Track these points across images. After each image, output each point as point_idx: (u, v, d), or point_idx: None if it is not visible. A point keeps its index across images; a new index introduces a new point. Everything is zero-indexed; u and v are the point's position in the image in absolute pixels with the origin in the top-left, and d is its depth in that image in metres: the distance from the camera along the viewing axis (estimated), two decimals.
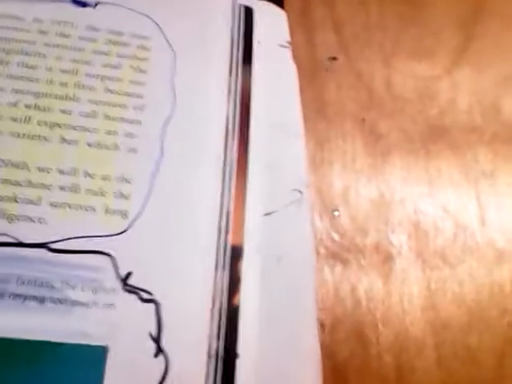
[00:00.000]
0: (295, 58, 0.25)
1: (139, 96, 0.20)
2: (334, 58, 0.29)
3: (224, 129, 0.21)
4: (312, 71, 0.28)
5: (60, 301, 0.17)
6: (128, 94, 0.20)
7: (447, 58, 0.31)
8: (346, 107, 0.27)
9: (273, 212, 0.20)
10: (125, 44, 0.21)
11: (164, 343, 0.17)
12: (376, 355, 0.23)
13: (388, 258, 0.25)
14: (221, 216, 0.19)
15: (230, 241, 0.19)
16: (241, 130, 0.21)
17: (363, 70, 0.29)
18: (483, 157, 0.29)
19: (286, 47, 0.24)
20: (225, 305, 0.18)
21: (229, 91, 0.21)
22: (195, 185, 0.19)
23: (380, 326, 0.23)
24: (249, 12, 0.24)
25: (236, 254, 0.19)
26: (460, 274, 0.26)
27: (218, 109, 0.21)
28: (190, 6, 0.23)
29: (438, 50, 0.31)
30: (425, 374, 0.23)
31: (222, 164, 0.20)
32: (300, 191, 0.21)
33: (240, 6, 0.23)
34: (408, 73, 0.30)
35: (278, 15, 0.25)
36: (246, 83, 0.22)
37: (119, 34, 0.21)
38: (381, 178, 0.26)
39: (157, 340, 0.17)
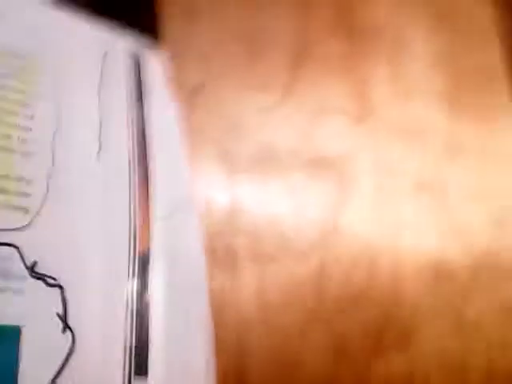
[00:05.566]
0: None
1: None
2: (200, 87, 0.34)
3: (127, 161, 0.25)
4: (183, 96, 0.33)
5: None
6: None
7: (278, 93, 0.39)
8: (208, 133, 0.33)
9: (169, 219, 0.25)
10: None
11: (70, 321, 0.20)
12: (221, 336, 0.30)
13: (234, 259, 0.32)
14: (130, 221, 0.23)
15: (139, 247, 0.23)
16: (140, 159, 0.25)
17: (223, 99, 0.35)
18: (300, 178, 0.38)
19: (167, 87, 0.29)
20: (136, 302, 0.22)
21: (128, 128, 0.26)
22: (91, 189, 0.23)
23: (226, 311, 0.31)
24: (139, 61, 0.28)
25: (144, 260, 0.23)
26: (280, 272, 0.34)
27: (121, 145, 0.25)
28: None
29: (271, 85, 0.39)
30: (257, 345, 0.31)
31: (127, 194, 0.24)
32: (187, 203, 0.26)
33: (133, 55, 0.28)
34: (250, 103, 0.37)
35: (160, 60, 0.30)
36: (140, 119, 0.26)
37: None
38: (232, 192, 0.33)
39: (63, 318, 0.20)
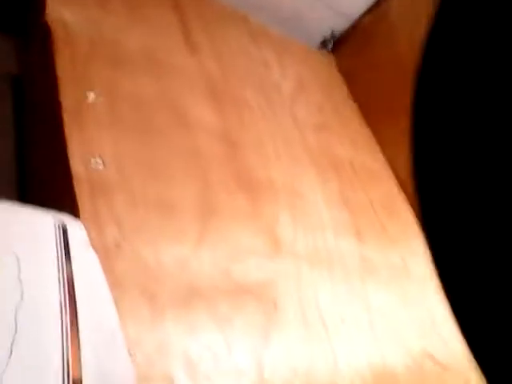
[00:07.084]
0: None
1: None
2: (118, 243, 0.39)
3: (58, 306, 0.29)
4: (103, 255, 0.37)
5: None
6: None
7: (193, 241, 0.44)
8: (132, 280, 0.38)
9: (99, 349, 0.28)
10: None
11: None
12: None
13: None
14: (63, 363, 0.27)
15: (72, 374, 0.26)
16: (70, 304, 0.29)
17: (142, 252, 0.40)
18: (225, 308, 0.41)
19: (89, 248, 0.34)
20: None
21: (59, 281, 0.30)
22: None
23: None
24: (65, 227, 0.34)
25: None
26: None
27: (53, 294, 0.29)
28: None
29: (185, 236, 0.45)
30: None
31: (60, 332, 0.28)
32: (114, 337, 0.29)
33: (60, 226, 0.33)
34: (168, 253, 0.42)
35: (81, 227, 0.35)
36: (69, 274, 0.31)
37: None
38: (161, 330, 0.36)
39: None
